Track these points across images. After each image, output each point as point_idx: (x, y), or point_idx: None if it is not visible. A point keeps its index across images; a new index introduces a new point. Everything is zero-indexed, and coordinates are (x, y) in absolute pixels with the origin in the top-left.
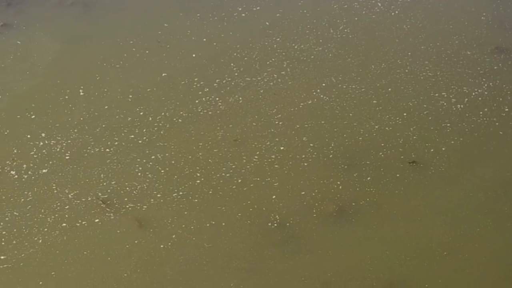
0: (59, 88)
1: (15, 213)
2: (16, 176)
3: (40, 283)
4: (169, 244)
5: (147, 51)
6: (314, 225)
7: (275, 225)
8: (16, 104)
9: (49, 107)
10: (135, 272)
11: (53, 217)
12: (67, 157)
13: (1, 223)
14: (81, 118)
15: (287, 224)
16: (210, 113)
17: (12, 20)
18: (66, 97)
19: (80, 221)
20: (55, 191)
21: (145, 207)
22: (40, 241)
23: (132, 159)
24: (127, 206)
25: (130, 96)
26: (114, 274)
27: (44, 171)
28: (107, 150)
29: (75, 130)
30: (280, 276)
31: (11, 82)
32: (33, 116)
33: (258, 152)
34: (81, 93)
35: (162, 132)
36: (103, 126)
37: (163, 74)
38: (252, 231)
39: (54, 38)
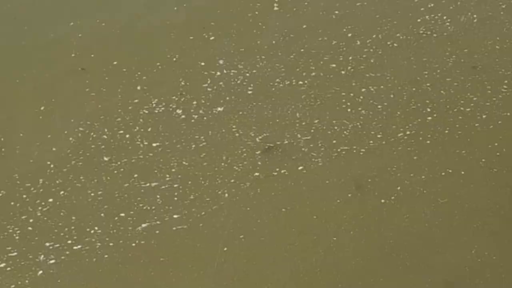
0: (247, 1)
1: (184, 162)
2: (183, 116)
3: (225, 249)
4: (392, 198)
5: None
6: None
7: None
8: (192, 20)
9: (233, 26)
10: (347, 235)
11: (241, 165)
12: (249, 92)
13: (167, 175)
14: (273, 41)
15: None
16: (435, 35)
17: None
18: (256, 12)
19: (277, 169)
20: (237, 134)
21: (363, 150)
22: (226, 195)
23: (334, 93)
24: (339, 150)
25: (336, 12)
26: (321, 237)
27: (219, 109)
28: (300, 82)
29: (263, 57)
30: None
31: None
32: (212, 38)
33: (506, 81)
34: (275, 8)
35: (372, 60)
36: (301, 51)
37: None
38: (500, 182)
39: None
